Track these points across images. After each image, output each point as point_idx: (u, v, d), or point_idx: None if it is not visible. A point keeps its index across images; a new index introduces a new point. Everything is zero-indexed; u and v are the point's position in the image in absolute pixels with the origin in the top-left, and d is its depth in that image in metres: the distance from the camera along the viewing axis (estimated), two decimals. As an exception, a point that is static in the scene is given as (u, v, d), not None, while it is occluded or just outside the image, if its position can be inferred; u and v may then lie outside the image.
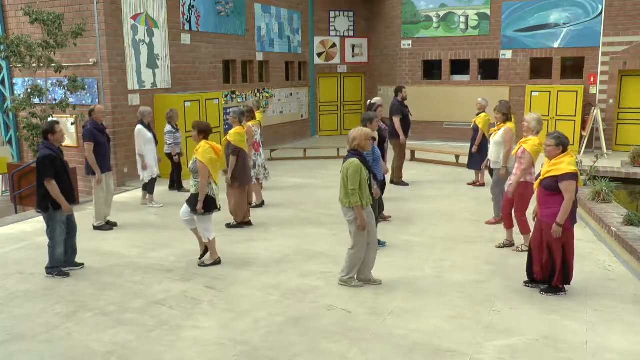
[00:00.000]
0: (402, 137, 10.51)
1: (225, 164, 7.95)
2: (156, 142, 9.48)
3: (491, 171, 8.73)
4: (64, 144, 10.03)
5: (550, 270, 5.59)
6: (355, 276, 5.90)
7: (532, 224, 6.47)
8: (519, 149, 6.79)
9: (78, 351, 4.59)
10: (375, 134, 7.62)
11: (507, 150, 7.73)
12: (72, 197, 6.37)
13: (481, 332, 4.84)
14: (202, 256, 6.64)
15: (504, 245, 7.10)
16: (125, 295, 5.72)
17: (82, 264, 6.57)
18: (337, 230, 7.91)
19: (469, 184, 10.89)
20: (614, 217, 7.26)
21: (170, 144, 10.08)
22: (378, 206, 7.06)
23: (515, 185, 6.76)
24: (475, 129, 10.28)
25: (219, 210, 6.56)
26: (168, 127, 10.13)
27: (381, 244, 7.15)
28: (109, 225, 8.22)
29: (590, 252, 6.92)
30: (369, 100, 9.95)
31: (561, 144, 5.44)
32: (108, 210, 8.36)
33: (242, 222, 8.17)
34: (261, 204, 9.32)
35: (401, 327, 4.95)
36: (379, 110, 8.50)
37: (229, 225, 8.11)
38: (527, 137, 6.79)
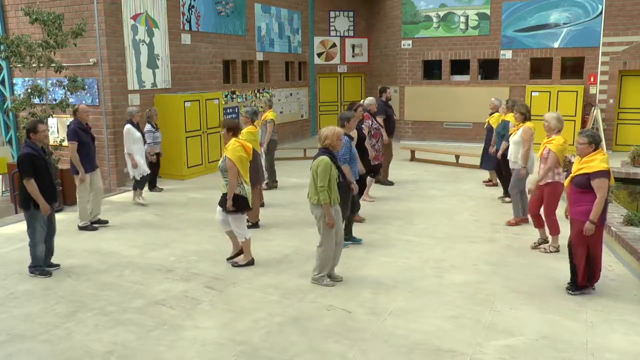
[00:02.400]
0: (385, 137, 10.50)
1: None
2: (144, 142, 9.55)
3: (503, 171, 8.73)
4: (64, 144, 10.15)
5: (572, 269, 5.61)
6: (327, 275, 5.94)
7: (562, 224, 6.48)
8: (543, 149, 6.71)
9: (78, 351, 4.59)
10: (355, 133, 7.62)
11: (525, 149, 7.71)
12: (53, 197, 6.34)
13: (481, 332, 4.84)
14: (233, 257, 6.58)
15: (540, 244, 7.00)
16: (125, 295, 5.72)
17: (58, 265, 6.52)
18: (337, 230, 7.90)
19: (484, 181, 10.85)
20: (614, 217, 7.25)
21: (149, 143, 10.07)
22: (353, 206, 7.08)
23: (536, 184, 6.70)
24: (490, 129, 10.21)
25: (251, 209, 6.55)
26: (147, 127, 10.14)
27: (357, 240, 7.21)
28: (96, 225, 8.18)
29: (590, 252, 6.91)
30: (361, 101, 9.97)
31: (593, 142, 5.44)
32: (98, 209, 8.34)
33: (255, 223, 8.17)
34: (261, 205, 9.32)
35: (401, 327, 4.95)
36: (359, 110, 8.50)
37: (250, 227, 8.06)
38: (550, 137, 6.70)
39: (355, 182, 6.82)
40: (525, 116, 7.93)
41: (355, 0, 18.40)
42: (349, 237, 7.15)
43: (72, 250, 7.18)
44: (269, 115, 10.49)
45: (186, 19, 12.69)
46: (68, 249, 7.24)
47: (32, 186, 6.04)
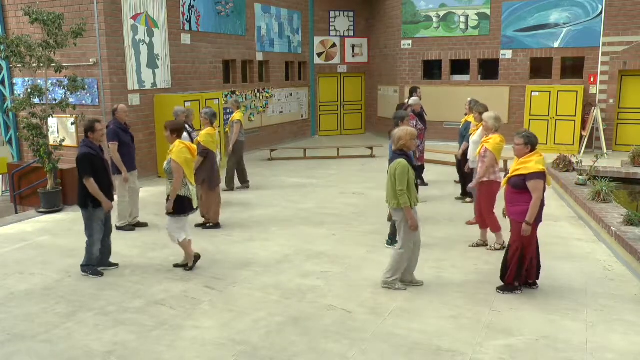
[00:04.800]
0: None
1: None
2: (191, 141, 9.44)
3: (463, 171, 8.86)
4: (64, 144, 10.15)
5: (503, 267, 5.64)
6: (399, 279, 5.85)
7: (502, 222, 6.55)
8: (481, 148, 6.88)
9: (78, 351, 4.59)
10: None
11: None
12: (110, 196, 6.39)
13: (481, 332, 4.84)
14: (193, 264, 6.49)
15: (479, 245, 7.11)
16: (125, 295, 5.73)
17: (117, 264, 6.57)
18: (337, 230, 7.91)
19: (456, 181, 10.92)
20: (614, 217, 7.25)
21: None
22: None
23: (477, 183, 6.89)
24: None
25: (196, 210, 6.53)
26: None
27: None
28: (133, 226, 8.17)
29: (590, 252, 6.92)
30: (406, 100, 10.14)
31: (530, 143, 5.45)
32: (137, 211, 8.31)
33: (211, 223, 8.18)
34: None
35: (401, 327, 4.95)
36: (408, 110, 8.57)
37: (211, 227, 8.13)
38: (487, 136, 6.87)
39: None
40: None
41: (355, 0, 18.40)
42: (392, 241, 6.94)
43: (73, 250, 7.18)
44: (235, 116, 10.49)
45: (186, 19, 12.69)
46: (69, 248, 7.24)
47: (92, 185, 6.09)
